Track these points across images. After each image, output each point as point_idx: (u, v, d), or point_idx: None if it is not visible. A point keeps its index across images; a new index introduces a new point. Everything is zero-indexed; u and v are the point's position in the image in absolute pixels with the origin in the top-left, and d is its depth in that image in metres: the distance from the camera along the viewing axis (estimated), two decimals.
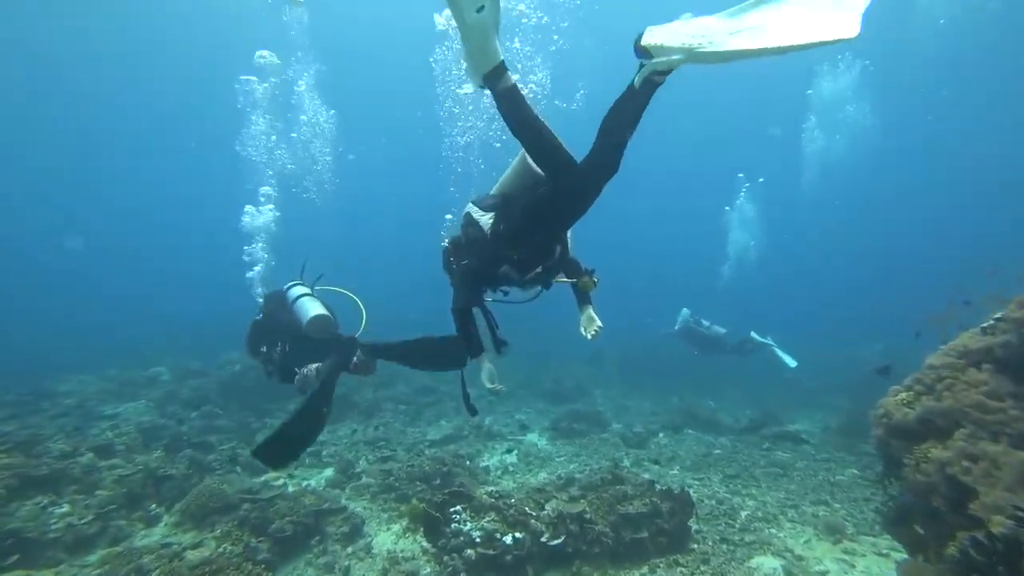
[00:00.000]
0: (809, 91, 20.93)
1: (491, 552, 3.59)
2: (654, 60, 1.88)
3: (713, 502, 5.40)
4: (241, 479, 6.20)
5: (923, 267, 28.23)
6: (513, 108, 2.09)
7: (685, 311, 11.13)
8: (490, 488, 5.95)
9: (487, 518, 3.87)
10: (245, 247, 6.73)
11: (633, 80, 2.04)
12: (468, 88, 2.34)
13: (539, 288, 2.89)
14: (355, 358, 4.23)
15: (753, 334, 10.49)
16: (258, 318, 4.69)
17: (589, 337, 2.91)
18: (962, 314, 3.42)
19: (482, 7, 1.86)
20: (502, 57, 2.02)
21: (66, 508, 5.06)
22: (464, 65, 2.06)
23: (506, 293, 2.98)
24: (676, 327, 11.04)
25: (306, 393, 4.11)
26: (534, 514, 3.90)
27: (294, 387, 4.25)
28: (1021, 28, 17.61)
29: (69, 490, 5.37)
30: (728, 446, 7.98)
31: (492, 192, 2.83)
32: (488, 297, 3.01)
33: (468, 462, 6.68)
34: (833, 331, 18.29)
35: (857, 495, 5.97)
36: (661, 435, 8.60)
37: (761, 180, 20.65)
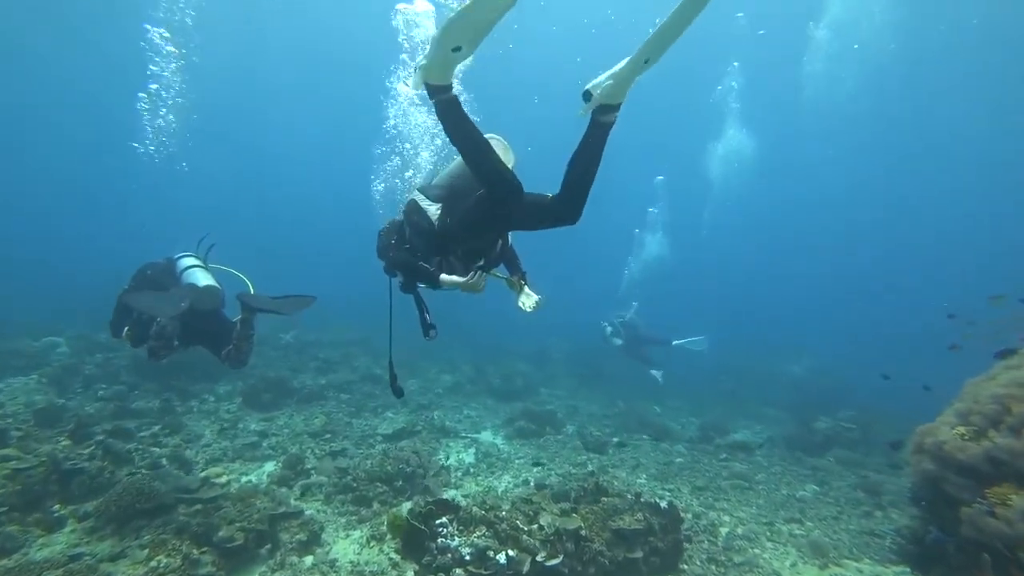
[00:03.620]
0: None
1: (483, 572, 3.36)
2: (594, 96, 2.09)
3: (690, 516, 5.49)
4: (172, 474, 5.44)
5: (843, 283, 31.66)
6: (452, 119, 2.16)
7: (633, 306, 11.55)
8: (465, 493, 5.73)
9: (477, 533, 3.63)
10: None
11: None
12: (408, 87, 2.44)
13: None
14: (228, 347, 4.35)
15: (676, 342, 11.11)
16: (126, 288, 4.59)
17: (528, 310, 2.92)
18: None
19: (458, 48, 1.94)
20: (451, 83, 2.10)
21: None
22: (416, 65, 2.10)
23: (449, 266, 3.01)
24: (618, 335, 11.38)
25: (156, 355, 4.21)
26: (526, 528, 3.72)
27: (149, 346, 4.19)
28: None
29: None
30: (686, 455, 8.21)
31: (437, 181, 2.86)
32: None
33: (430, 461, 6.34)
34: (758, 342, 19.79)
35: (825, 513, 6.22)
36: (616, 439, 8.75)
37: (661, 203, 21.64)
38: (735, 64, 20.80)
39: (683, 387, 14.18)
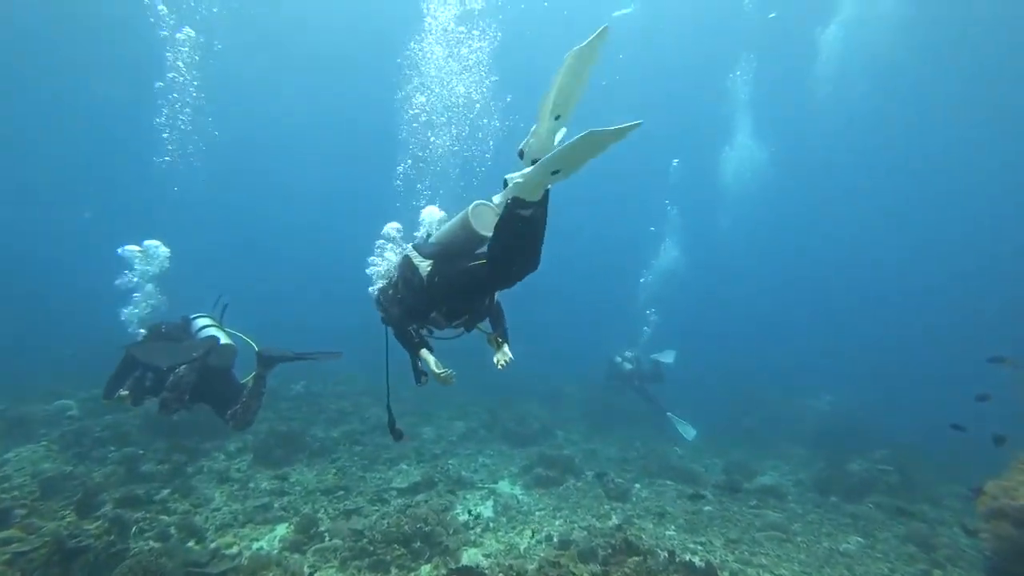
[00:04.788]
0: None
1: None
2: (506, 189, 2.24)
3: (727, 575, 5.16)
4: (180, 547, 5.23)
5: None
6: (510, 230, 2.28)
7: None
8: (486, 552, 5.41)
9: None
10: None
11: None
12: (497, 199, 2.47)
13: (461, 330, 3.13)
14: (235, 407, 4.40)
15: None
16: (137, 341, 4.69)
17: (499, 367, 3.08)
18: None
19: (557, 171, 2.05)
20: (539, 199, 2.21)
21: None
22: (512, 180, 2.20)
23: (431, 332, 3.19)
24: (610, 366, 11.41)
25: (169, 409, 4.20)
26: None
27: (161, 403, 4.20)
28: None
29: None
30: (715, 502, 7.82)
31: (432, 240, 3.00)
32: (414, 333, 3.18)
33: (448, 518, 6.07)
34: (778, 378, 19.29)
35: (875, 572, 5.76)
36: (638, 486, 8.39)
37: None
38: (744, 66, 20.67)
39: (701, 425, 13.77)
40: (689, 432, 10.72)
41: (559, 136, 2.32)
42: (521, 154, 2.29)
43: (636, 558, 4.22)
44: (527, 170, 2.13)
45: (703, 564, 4.15)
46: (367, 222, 4.29)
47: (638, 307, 16.89)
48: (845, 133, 23.84)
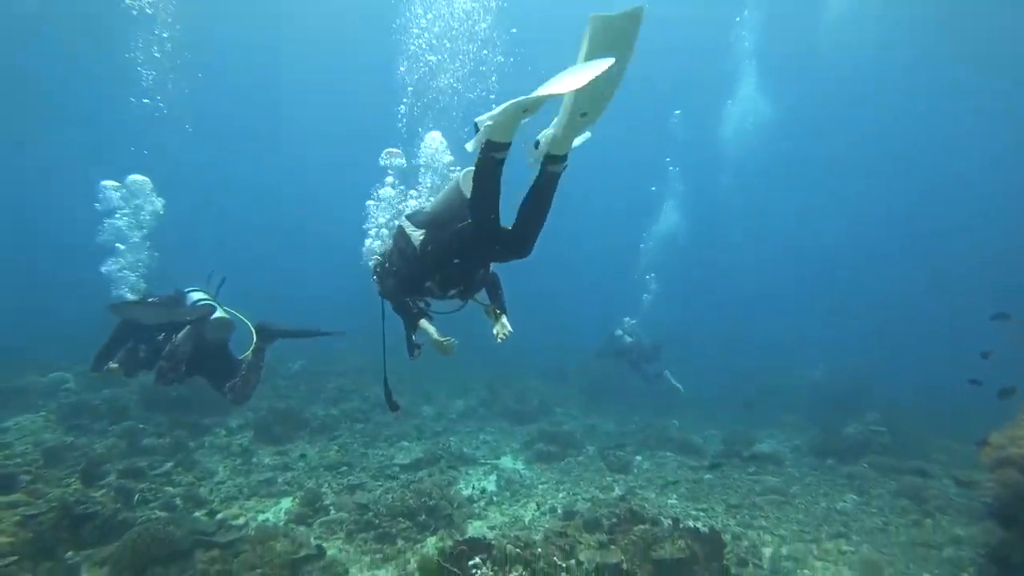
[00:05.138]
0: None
1: None
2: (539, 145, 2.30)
3: (729, 538, 5.21)
4: (187, 516, 5.24)
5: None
6: (487, 174, 2.30)
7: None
8: (491, 524, 5.48)
9: (513, 573, 3.43)
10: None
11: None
12: (470, 146, 2.36)
13: (458, 302, 3.12)
14: (234, 380, 4.39)
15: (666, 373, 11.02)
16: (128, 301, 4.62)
17: (498, 340, 3.07)
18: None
19: (526, 112, 2.08)
20: (512, 140, 2.22)
21: None
22: (482, 124, 2.18)
23: (428, 304, 3.20)
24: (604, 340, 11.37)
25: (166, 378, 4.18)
26: (563, 565, 3.51)
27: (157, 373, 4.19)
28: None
29: None
30: (715, 470, 7.90)
31: (425, 209, 3.01)
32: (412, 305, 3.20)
33: (452, 492, 6.11)
34: (775, 348, 19.39)
35: (870, 525, 5.90)
36: (639, 458, 8.49)
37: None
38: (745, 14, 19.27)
39: (699, 398, 13.93)
40: (680, 387, 10.84)
41: (582, 139, 2.34)
42: (536, 144, 2.30)
43: (641, 526, 4.26)
44: (496, 111, 2.10)
45: (706, 529, 4.20)
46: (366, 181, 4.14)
47: (639, 273, 16.65)
48: (851, 83, 22.79)
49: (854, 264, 31.45)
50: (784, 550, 5.21)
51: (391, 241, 3.16)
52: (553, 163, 2.27)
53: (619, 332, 11.20)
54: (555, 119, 2.25)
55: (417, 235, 2.84)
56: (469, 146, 2.35)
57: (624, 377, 13.58)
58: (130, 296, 4.78)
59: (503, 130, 2.14)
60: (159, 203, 5.10)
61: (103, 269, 4.87)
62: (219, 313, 4.44)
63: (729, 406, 13.19)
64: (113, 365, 4.36)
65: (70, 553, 4.55)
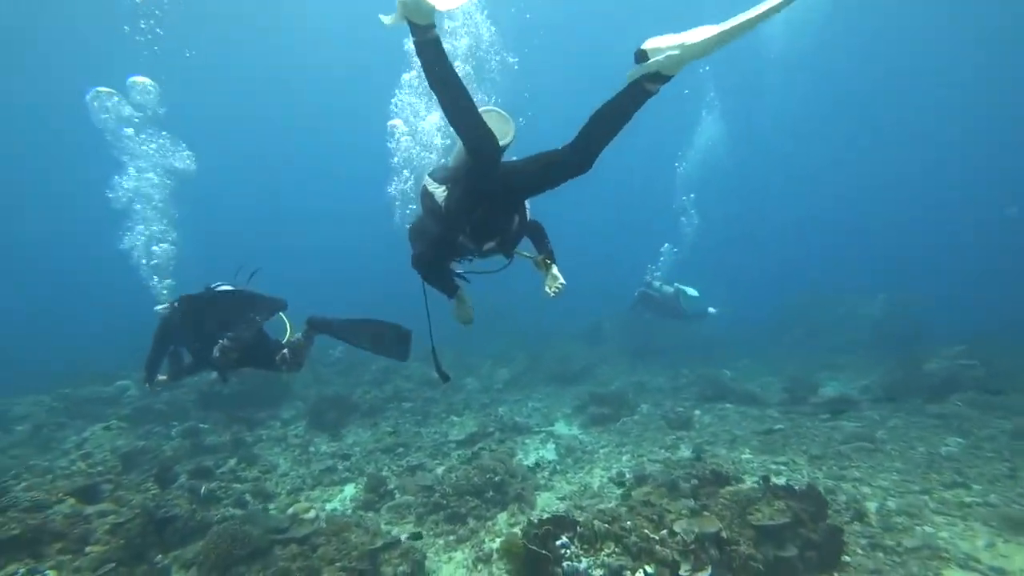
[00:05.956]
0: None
1: None
2: (650, 61, 1.96)
3: (821, 492, 4.95)
4: (261, 513, 5.35)
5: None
6: (433, 59, 2.12)
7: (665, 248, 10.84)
8: (560, 494, 5.39)
9: (605, 550, 3.29)
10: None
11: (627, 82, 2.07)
12: (388, 19, 2.12)
13: (504, 258, 3.00)
14: (283, 352, 4.33)
15: (684, 288, 10.35)
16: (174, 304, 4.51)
17: (551, 294, 2.98)
18: None
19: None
20: (433, 22, 2.05)
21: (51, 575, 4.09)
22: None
23: (471, 260, 3.05)
24: (635, 293, 10.88)
25: (229, 361, 4.19)
26: (657, 537, 3.35)
27: (213, 362, 4.22)
28: None
29: (52, 551, 4.36)
30: (783, 420, 7.56)
31: (445, 164, 2.98)
32: (457, 267, 3.14)
33: (515, 466, 6.05)
34: (824, 280, 18.42)
35: (992, 472, 5.19)
36: (698, 412, 8.26)
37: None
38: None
39: (746, 344, 13.49)
40: (715, 311, 10.37)
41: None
42: (642, 56, 1.99)
43: (729, 487, 4.05)
44: None
45: (802, 487, 3.93)
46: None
47: (675, 197, 15.55)
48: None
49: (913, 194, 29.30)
50: (891, 503, 4.73)
51: (419, 205, 3.05)
52: (654, 81, 2.01)
53: (647, 279, 10.81)
54: (670, 39, 1.95)
55: (440, 192, 2.76)
56: (386, 19, 2.12)
57: (665, 331, 13.26)
58: (161, 306, 4.75)
59: (418, 9, 1.98)
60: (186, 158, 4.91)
61: (122, 246, 4.78)
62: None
63: (781, 350, 12.73)
64: (161, 377, 4.65)
65: (159, 556, 4.70)
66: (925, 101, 25.13)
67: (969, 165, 27.86)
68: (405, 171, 3.97)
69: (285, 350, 4.39)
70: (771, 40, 20.39)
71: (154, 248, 4.89)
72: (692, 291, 10.10)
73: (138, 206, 4.80)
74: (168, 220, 4.90)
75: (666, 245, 11.72)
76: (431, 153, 3.81)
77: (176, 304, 4.59)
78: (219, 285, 4.66)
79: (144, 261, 4.84)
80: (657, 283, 10.68)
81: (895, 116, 26.84)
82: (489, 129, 2.39)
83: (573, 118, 2.32)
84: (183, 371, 4.73)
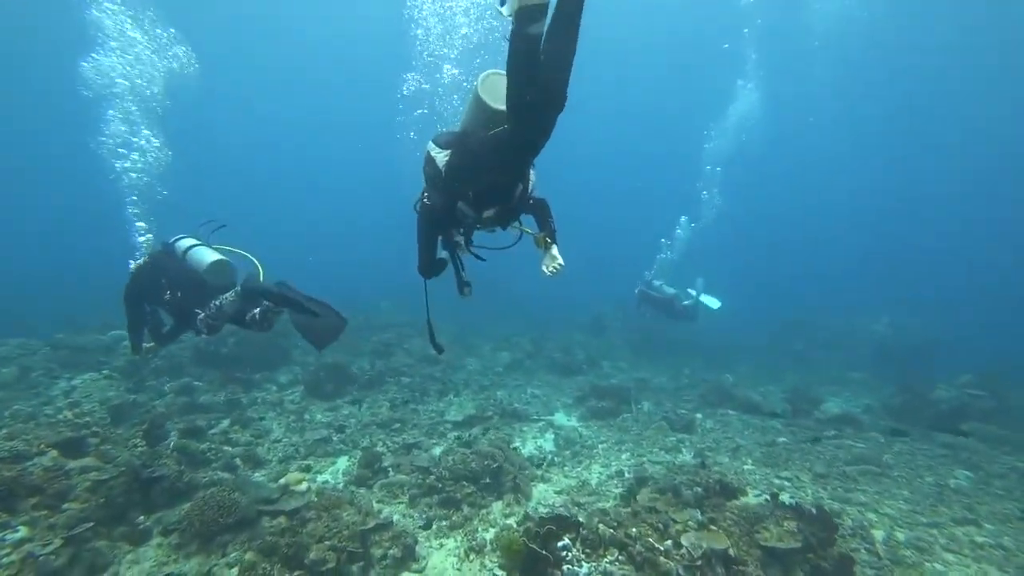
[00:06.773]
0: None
1: None
2: None
3: (831, 517, 4.78)
4: (251, 481, 5.18)
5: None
6: (522, 47, 2.02)
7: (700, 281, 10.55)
8: (557, 488, 5.21)
9: (608, 557, 3.10)
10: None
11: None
12: (505, 10, 2.02)
13: (511, 238, 3.01)
14: (254, 311, 4.12)
15: (690, 291, 10.14)
16: (140, 262, 4.49)
17: (548, 274, 2.89)
18: None
19: None
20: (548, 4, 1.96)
21: (22, 532, 3.90)
22: None
23: (471, 232, 2.98)
24: (635, 291, 10.66)
25: (215, 331, 4.18)
26: (661, 548, 3.16)
27: (196, 329, 4.18)
28: None
29: (27, 505, 4.18)
30: (786, 433, 7.42)
31: (450, 129, 2.88)
32: (461, 240, 3.02)
33: (514, 454, 5.86)
34: (830, 295, 18.19)
35: (1003, 510, 5.03)
36: (700, 415, 8.07)
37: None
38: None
39: (747, 350, 13.29)
40: (714, 303, 10.08)
41: None
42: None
43: (735, 502, 3.85)
44: None
45: (814, 509, 3.73)
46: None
47: (702, 164, 15.02)
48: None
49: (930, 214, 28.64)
50: (900, 535, 4.57)
51: (423, 175, 2.99)
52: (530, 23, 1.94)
53: (647, 276, 10.56)
54: None
55: (442, 156, 2.70)
56: (503, 10, 2.02)
57: (669, 329, 13.03)
58: (131, 264, 4.65)
59: None
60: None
61: (117, 164, 4.60)
62: (213, 256, 4.30)
63: (781, 359, 12.50)
64: (148, 345, 4.69)
65: (141, 517, 4.54)
66: (975, 111, 24.24)
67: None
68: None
69: (257, 310, 4.20)
70: (821, 18, 19.20)
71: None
72: (715, 303, 9.80)
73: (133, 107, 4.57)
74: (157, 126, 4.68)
75: (684, 218, 11.33)
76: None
77: (146, 260, 4.55)
78: (179, 238, 4.54)
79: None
80: (657, 282, 10.48)
81: (940, 127, 26.07)
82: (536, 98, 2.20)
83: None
84: (166, 337, 4.65)
